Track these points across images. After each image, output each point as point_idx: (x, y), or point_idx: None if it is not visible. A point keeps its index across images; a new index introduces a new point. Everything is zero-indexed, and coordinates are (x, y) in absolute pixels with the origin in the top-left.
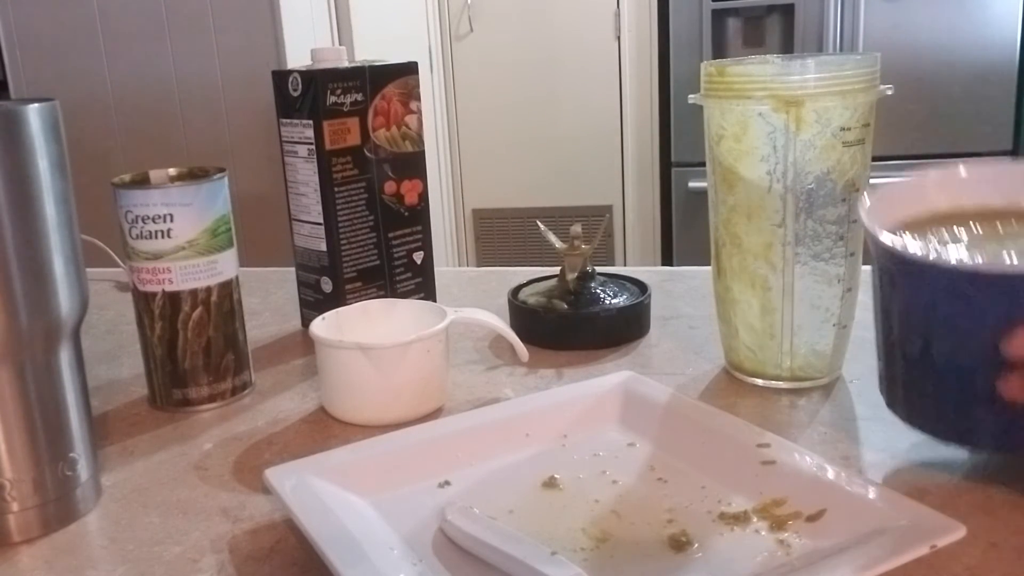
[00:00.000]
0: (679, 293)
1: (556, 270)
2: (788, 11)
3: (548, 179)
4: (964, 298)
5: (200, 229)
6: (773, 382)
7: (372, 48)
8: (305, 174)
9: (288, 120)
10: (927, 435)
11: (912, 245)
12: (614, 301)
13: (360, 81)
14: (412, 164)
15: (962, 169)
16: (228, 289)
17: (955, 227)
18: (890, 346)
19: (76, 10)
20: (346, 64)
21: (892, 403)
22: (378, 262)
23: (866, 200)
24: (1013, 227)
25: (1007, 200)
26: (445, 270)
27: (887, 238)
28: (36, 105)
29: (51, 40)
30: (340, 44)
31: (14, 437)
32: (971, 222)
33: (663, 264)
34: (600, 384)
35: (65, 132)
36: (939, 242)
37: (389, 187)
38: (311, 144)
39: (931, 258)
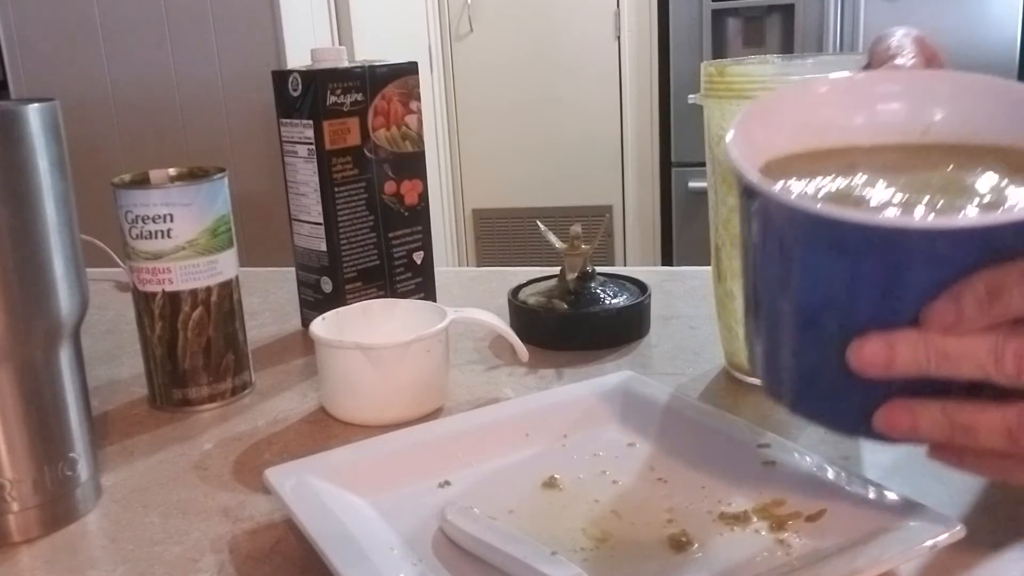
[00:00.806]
0: (679, 293)
1: (556, 270)
2: (788, 11)
3: (548, 179)
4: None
5: (200, 229)
6: None
7: (372, 48)
8: (305, 174)
9: (288, 120)
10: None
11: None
12: (614, 301)
13: (360, 81)
14: (412, 164)
15: (857, 78)
16: (228, 289)
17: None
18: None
19: (76, 10)
20: (346, 64)
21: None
22: (378, 262)
23: (737, 122)
24: (919, 163)
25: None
26: (445, 270)
27: (759, 179)
28: (36, 105)
29: (51, 40)
30: (340, 44)
31: (14, 437)
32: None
33: (663, 264)
34: (600, 384)
35: (65, 132)
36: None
37: (389, 187)
38: (311, 144)
39: (821, 209)
